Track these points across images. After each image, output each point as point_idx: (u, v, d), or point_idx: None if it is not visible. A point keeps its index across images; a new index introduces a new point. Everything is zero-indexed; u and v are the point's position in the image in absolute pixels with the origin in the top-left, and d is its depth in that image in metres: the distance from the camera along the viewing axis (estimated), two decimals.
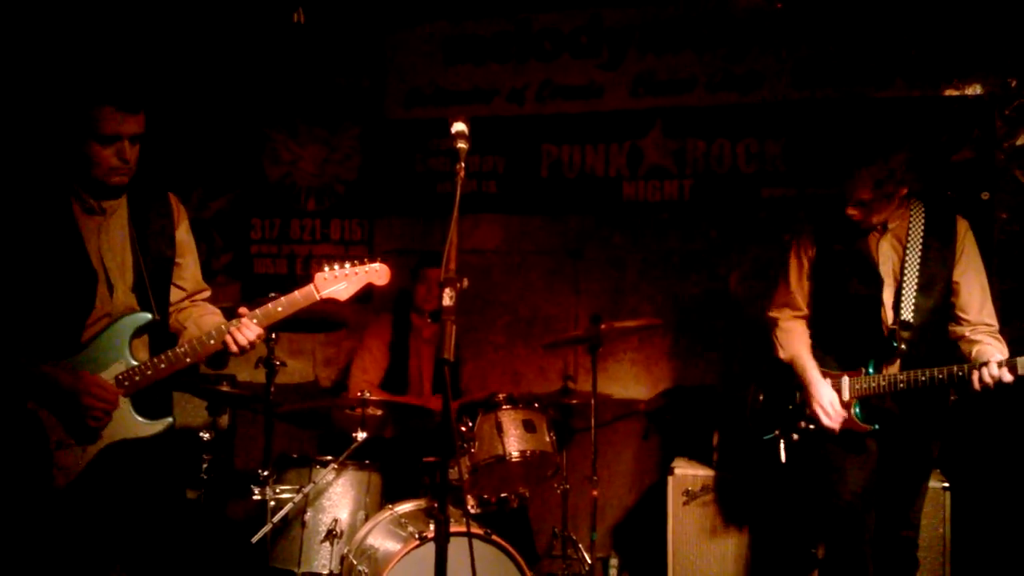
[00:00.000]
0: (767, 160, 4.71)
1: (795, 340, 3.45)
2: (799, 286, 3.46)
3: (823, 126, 4.61)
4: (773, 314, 3.54)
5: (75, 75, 4.80)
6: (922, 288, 3.21)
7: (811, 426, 3.34)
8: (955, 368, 3.03)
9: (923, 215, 3.26)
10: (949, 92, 4.48)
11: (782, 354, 3.47)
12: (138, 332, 2.81)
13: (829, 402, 3.25)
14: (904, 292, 3.21)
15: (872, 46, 4.55)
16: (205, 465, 3.87)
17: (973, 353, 3.11)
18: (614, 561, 4.76)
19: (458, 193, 2.42)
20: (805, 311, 3.48)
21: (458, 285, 2.34)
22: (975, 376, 2.97)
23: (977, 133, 4.44)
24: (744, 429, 3.66)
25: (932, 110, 4.47)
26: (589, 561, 4.09)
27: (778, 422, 3.45)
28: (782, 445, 3.40)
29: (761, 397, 3.60)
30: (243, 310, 2.87)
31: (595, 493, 4.13)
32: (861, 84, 4.57)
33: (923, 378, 3.08)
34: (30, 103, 4.79)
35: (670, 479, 4.07)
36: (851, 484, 3.25)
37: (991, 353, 3.03)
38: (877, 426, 3.24)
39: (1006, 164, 4.42)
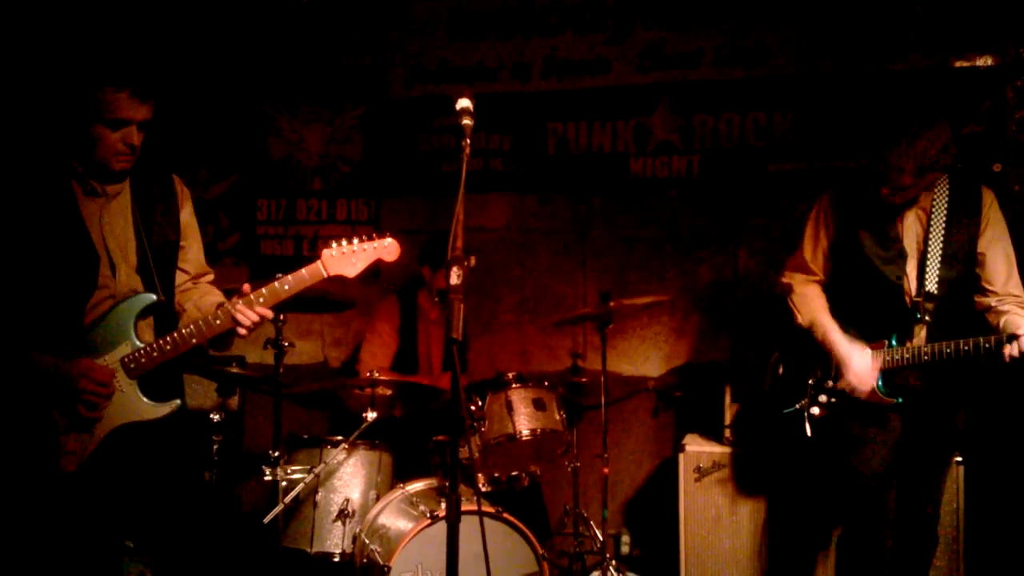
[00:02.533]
0: (775, 134, 4.67)
1: (813, 303, 3.40)
2: (814, 255, 3.43)
3: (832, 100, 4.57)
4: (786, 279, 3.50)
5: (85, 55, 4.76)
6: (946, 259, 3.16)
7: (833, 399, 3.31)
8: (982, 340, 2.99)
9: (948, 186, 3.21)
10: (959, 64, 4.43)
11: (800, 319, 3.42)
12: (143, 314, 2.79)
13: (855, 371, 3.20)
14: (928, 264, 3.17)
15: (881, 18, 4.50)
16: (216, 446, 3.88)
17: (1001, 324, 3.06)
18: (626, 538, 4.77)
19: (464, 170, 2.39)
20: (820, 276, 3.44)
21: (465, 264, 2.32)
22: (1006, 350, 2.92)
23: (988, 104, 4.39)
24: (763, 403, 3.63)
25: (943, 82, 4.42)
26: (601, 538, 4.09)
27: (800, 395, 3.41)
28: (806, 418, 3.36)
29: (781, 370, 3.57)
30: (246, 287, 2.82)
31: (606, 471, 4.13)
32: (870, 57, 4.52)
33: (948, 350, 3.04)
34: (33, 81, 4.76)
35: (681, 456, 4.06)
36: (873, 460, 3.23)
37: (1019, 324, 2.98)
38: (900, 399, 3.21)
39: (1017, 135, 4.38)
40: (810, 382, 3.38)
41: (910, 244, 3.23)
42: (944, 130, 3.08)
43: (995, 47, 4.39)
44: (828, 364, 3.34)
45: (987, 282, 3.18)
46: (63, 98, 2.77)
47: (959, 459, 3.69)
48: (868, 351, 3.23)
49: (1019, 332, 2.92)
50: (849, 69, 4.54)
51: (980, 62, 4.41)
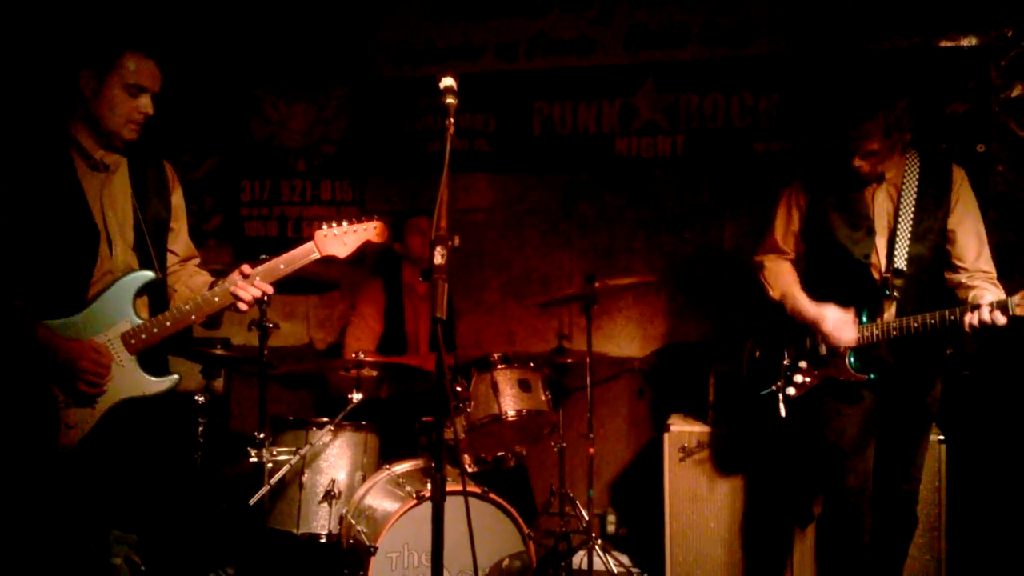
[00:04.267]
0: (760, 114, 4.67)
1: (783, 277, 3.44)
2: (785, 236, 3.47)
3: (817, 79, 4.57)
4: (758, 258, 3.54)
5: (103, 18, 4.71)
6: (916, 237, 3.18)
7: (807, 379, 3.33)
8: (947, 312, 3.00)
9: (919, 164, 3.23)
10: (944, 43, 4.44)
11: (772, 293, 3.45)
12: (140, 291, 2.80)
13: (832, 323, 3.21)
14: (898, 240, 3.19)
15: None
16: (201, 428, 3.87)
17: (969, 298, 3.07)
18: (611, 517, 4.80)
19: (447, 150, 2.39)
20: (791, 255, 3.48)
21: (449, 243, 2.33)
22: (967, 319, 2.94)
23: (972, 85, 4.40)
24: (741, 384, 3.66)
25: (927, 61, 4.42)
26: (586, 517, 4.12)
27: (775, 376, 3.44)
28: (780, 399, 3.39)
29: (758, 353, 3.59)
30: (246, 267, 2.86)
31: (591, 451, 4.14)
32: (856, 36, 4.52)
33: (915, 324, 3.06)
34: (30, 46, 4.70)
35: (666, 436, 4.07)
36: (848, 433, 3.26)
37: (983, 296, 3.00)
38: (872, 375, 3.23)
39: (1001, 116, 4.39)
40: (785, 363, 3.41)
41: (880, 221, 3.24)
42: (904, 100, 3.12)
43: (980, 27, 4.40)
44: (802, 345, 3.37)
45: (957, 259, 3.20)
46: (72, 60, 2.76)
47: (941, 438, 3.72)
48: (840, 311, 3.24)
49: (982, 303, 2.93)
50: (835, 49, 4.54)
51: (964, 42, 4.42)
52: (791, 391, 3.38)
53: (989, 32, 4.39)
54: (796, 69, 4.60)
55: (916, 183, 3.21)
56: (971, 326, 2.94)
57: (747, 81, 4.67)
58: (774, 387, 3.43)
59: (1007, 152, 4.39)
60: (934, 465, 3.69)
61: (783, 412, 3.39)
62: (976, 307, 2.94)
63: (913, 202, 3.20)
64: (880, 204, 3.26)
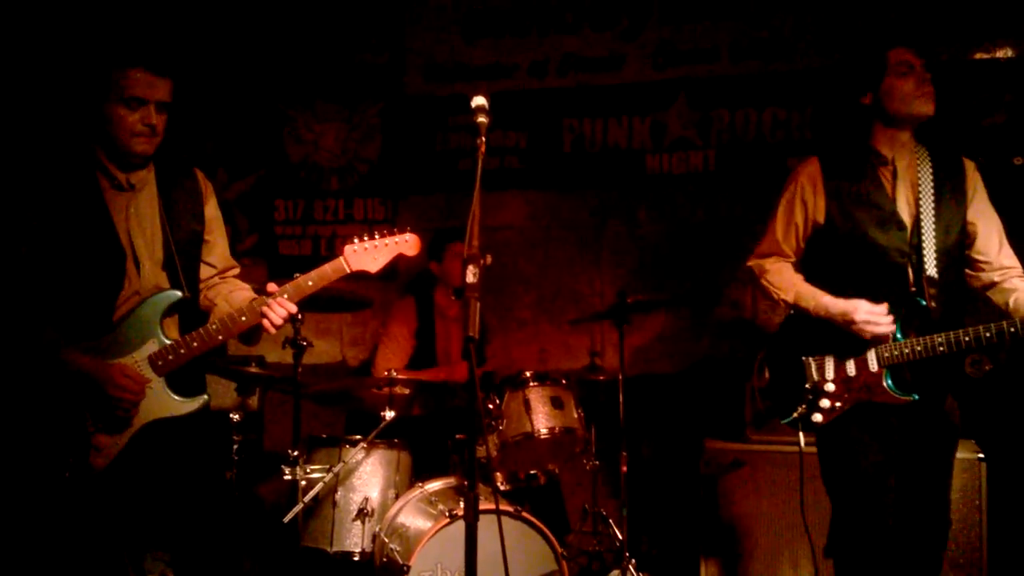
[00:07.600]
0: (793, 128, 4.65)
1: (790, 277, 3.06)
2: (787, 231, 3.10)
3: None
4: (753, 262, 3.16)
5: (100, 36, 4.78)
6: (940, 235, 2.89)
7: (837, 403, 2.94)
8: (1005, 324, 2.69)
9: (929, 158, 2.98)
10: (979, 55, 4.39)
11: (782, 295, 3.05)
12: (169, 311, 2.80)
13: (867, 310, 2.84)
14: (924, 241, 2.88)
15: (899, 10, 4.46)
16: (235, 446, 3.88)
17: (1011, 303, 2.80)
18: (644, 537, 4.75)
19: (479, 168, 2.40)
20: (792, 257, 3.11)
21: (481, 262, 2.32)
22: None
23: (1009, 97, 4.35)
24: (756, 411, 3.47)
25: (962, 74, 4.37)
26: (620, 536, 4.08)
27: (797, 401, 3.00)
28: (801, 427, 2.98)
29: (768, 374, 3.15)
30: (272, 286, 2.85)
31: (624, 469, 4.11)
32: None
33: (967, 339, 2.73)
34: (54, 70, 4.78)
35: (701, 454, 4.04)
36: (871, 455, 2.92)
37: None
38: (916, 396, 2.87)
39: None
40: (807, 386, 2.98)
41: (904, 216, 2.93)
42: None
43: (1015, 39, 4.34)
44: (822, 363, 2.99)
45: (980, 254, 2.92)
46: (81, 82, 2.80)
47: (981, 456, 3.63)
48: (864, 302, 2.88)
49: None
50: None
51: (1000, 54, 4.37)
52: (818, 417, 2.95)
53: None
54: (829, 82, 4.56)
55: (931, 178, 2.94)
56: None
57: (779, 95, 4.66)
58: (796, 414, 3.01)
59: None
60: (974, 484, 3.62)
61: (803, 443, 2.97)
62: None
63: (932, 198, 2.91)
64: (902, 200, 2.96)
